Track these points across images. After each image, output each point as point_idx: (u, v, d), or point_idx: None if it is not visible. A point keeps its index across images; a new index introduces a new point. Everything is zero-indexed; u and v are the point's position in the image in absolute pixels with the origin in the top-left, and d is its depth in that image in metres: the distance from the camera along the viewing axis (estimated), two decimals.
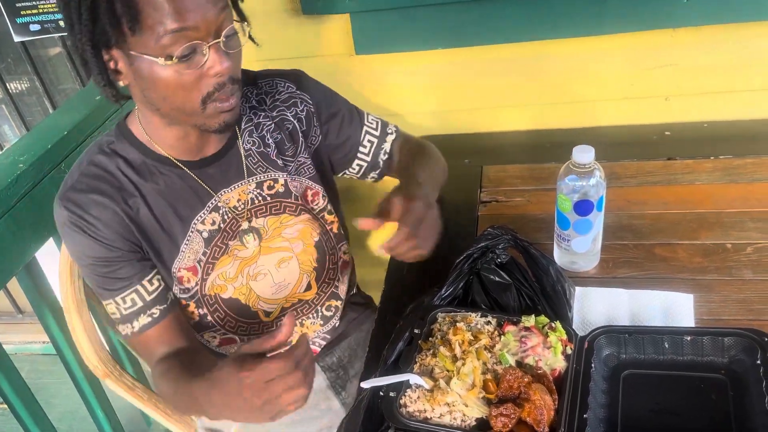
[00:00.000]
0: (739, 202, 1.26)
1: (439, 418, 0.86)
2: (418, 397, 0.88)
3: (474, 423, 0.85)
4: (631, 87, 1.57)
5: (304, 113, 1.14)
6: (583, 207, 1.06)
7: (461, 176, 1.44)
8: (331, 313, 1.27)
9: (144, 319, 1.04)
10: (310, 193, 1.17)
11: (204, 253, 1.08)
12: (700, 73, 1.52)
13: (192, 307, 1.12)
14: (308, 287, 1.20)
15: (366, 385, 0.90)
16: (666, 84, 1.55)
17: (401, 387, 0.89)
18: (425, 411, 0.86)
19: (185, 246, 1.06)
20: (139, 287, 1.03)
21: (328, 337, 1.28)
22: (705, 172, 1.35)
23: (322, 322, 1.26)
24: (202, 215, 1.07)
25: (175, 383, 1.00)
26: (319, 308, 1.25)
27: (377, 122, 1.22)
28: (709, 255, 1.15)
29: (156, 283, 1.05)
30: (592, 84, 1.58)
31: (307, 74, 1.18)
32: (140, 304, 1.03)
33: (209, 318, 1.13)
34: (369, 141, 1.20)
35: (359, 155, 1.21)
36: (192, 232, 1.06)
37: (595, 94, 1.59)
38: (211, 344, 1.20)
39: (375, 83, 1.67)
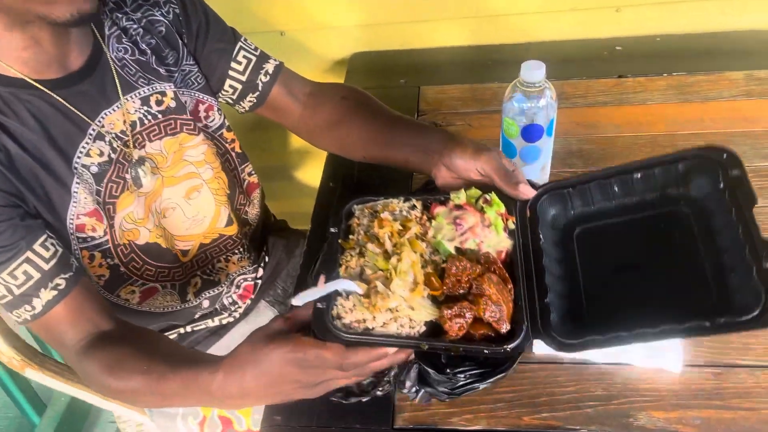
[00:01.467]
0: (693, 123, 1.20)
1: (382, 327, 0.72)
2: (354, 306, 0.74)
3: (424, 329, 0.73)
4: None
5: (171, 15, 0.96)
6: (531, 132, 0.96)
7: (397, 98, 1.33)
8: (257, 244, 1.15)
9: (47, 294, 0.83)
10: (202, 107, 1.01)
11: (98, 192, 0.90)
12: None
13: (98, 259, 0.93)
14: (229, 221, 1.07)
15: (297, 301, 0.75)
16: None
17: (330, 298, 0.75)
18: (365, 321, 0.73)
19: (77, 186, 0.87)
20: (30, 254, 0.82)
21: (262, 271, 1.17)
22: (657, 91, 1.28)
23: (249, 255, 1.13)
24: (85, 146, 0.88)
25: (158, 378, 0.80)
26: (245, 241, 1.12)
27: (257, 48, 1.06)
28: None
29: (52, 248, 0.84)
30: None
31: None
32: (37, 275, 0.83)
33: (122, 269, 0.96)
34: (245, 57, 1.03)
35: (231, 73, 1.03)
36: (78, 167, 0.87)
37: (539, 6, 1.46)
38: (130, 302, 1.02)
39: None
